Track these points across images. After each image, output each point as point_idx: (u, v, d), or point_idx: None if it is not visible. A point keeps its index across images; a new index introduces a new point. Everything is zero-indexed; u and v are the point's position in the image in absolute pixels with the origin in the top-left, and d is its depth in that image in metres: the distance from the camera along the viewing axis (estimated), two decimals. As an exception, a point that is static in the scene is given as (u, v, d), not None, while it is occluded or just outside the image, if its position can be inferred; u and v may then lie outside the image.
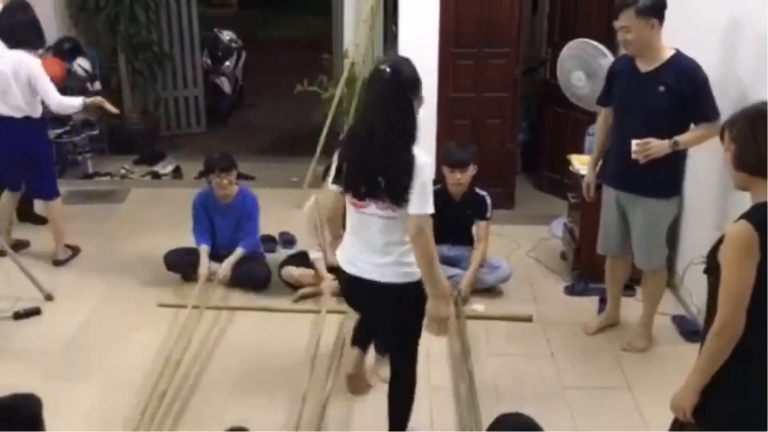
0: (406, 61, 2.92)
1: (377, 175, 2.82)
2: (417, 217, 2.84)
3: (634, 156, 3.69)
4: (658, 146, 3.66)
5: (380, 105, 2.85)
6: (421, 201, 2.84)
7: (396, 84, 2.84)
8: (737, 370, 2.30)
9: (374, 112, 2.87)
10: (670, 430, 2.56)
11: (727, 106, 3.56)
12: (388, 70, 2.85)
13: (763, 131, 2.24)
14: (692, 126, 3.73)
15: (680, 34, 3.92)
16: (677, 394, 2.43)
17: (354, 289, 3.10)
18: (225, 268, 4.71)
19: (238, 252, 4.77)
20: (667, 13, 3.68)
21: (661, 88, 3.66)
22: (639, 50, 3.73)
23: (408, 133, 2.83)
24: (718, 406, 2.35)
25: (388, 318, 3.09)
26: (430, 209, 2.87)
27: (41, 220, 5.78)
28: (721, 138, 2.37)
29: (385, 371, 3.38)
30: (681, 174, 3.95)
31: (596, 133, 4.15)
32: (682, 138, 3.68)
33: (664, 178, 3.82)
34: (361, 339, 3.36)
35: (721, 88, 3.80)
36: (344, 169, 2.94)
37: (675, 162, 3.79)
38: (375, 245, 2.94)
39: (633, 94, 3.78)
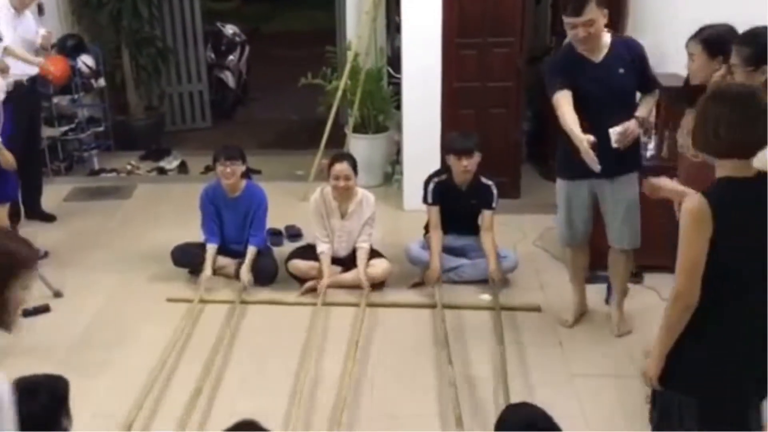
0: None
1: None
2: None
3: (617, 145, 3.69)
4: (634, 127, 3.74)
5: None
6: None
7: None
8: (693, 336, 2.39)
9: None
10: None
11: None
12: None
13: (712, 119, 2.28)
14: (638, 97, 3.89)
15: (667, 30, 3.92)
16: (645, 364, 2.55)
17: None
18: (245, 274, 4.70)
19: (252, 251, 4.77)
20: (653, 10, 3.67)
21: (621, 71, 3.73)
22: (594, 43, 3.73)
23: None
24: (679, 371, 2.45)
25: None
26: None
27: (49, 218, 5.81)
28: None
29: None
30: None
31: (570, 116, 3.72)
32: (641, 113, 3.80)
33: (636, 151, 3.98)
34: None
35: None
36: None
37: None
38: None
39: (599, 86, 3.74)
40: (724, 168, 2.32)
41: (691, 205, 2.30)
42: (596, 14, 3.62)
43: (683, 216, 2.32)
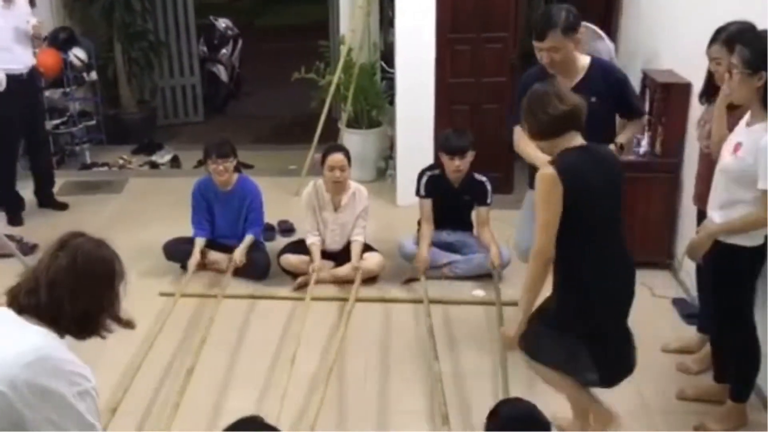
0: None
1: None
2: None
3: None
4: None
5: None
6: None
7: None
8: (570, 285, 2.85)
9: None
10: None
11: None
12: None
13: (537, 107, 2.79)
14: (619, 121, 3.83)
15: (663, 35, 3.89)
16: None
17: None
18: (239, 253, 4.70)
19: (248, 239, 4.78)
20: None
21: (593, 99, 3.40)
22: (564, 67, 3.61)
23: None
24: (567, 318, 2.86)
25: None
26: None
27: (61, 206, 5.81)
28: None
29: None
30: None
31: (528, 147, 3.51)
32: (622, 139, 3.69)
33: None
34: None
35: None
36: None
37: None
38: None
39: None
40: (562, 143, 2.78)
41: (544, 174, 2.73)
42: (561, 42, 3.50)
43: (538, 184, 2.74)
